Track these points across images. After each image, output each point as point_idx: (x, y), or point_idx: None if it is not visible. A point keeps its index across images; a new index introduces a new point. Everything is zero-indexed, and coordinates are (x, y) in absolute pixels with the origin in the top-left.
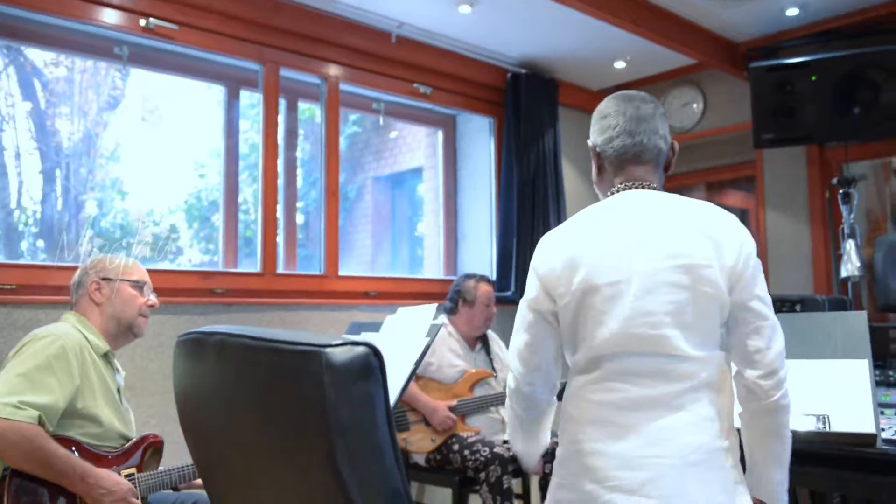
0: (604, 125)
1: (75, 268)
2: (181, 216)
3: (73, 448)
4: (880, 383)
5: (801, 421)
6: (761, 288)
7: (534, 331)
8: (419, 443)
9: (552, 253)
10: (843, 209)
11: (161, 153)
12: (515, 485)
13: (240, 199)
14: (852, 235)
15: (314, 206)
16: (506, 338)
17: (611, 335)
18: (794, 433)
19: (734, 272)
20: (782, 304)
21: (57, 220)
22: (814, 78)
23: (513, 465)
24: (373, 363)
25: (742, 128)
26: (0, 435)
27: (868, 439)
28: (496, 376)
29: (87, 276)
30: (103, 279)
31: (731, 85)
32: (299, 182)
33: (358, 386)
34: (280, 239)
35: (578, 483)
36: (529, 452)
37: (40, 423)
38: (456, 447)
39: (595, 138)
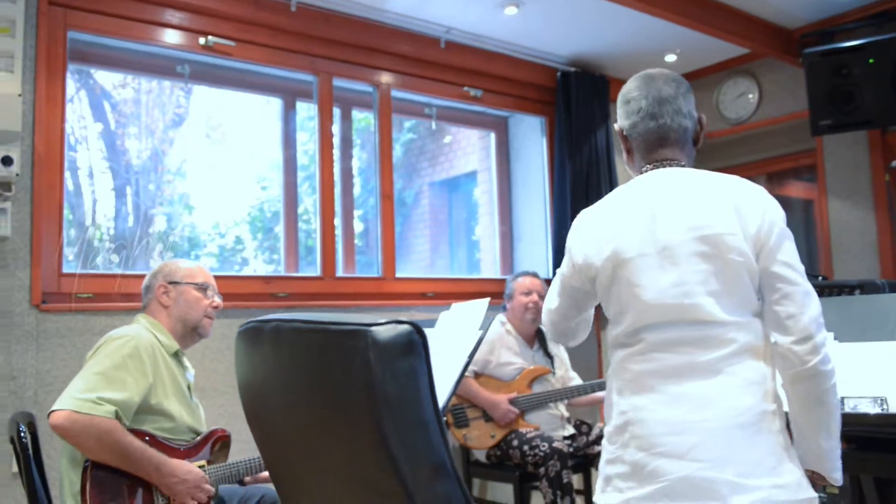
0: (628, 110)
1: (145, 275)
2: (245, 228)
3: (147, 440)
4: None
5: (859, 404)
6: (786, 254)
7: (561, 300)
8: (479, 439)
9: (583, 231)
10: None
11: (225, 168)
12: (576, 480)
13: (300, 210)
14: None
15: (373, 213)
16: None
17: (646, 307)
18: (852, 416)
19: (758, 239)
20: (841, 290)
21: (129, 234)
22: (871, 61)
23: (572, 461)
24: (416, 339)
25: (800, 116)
26: (80, 429)
27: None
28: (554, 373)
29: (155, 279)
30: (170, 283)
31: (787, 73)
32: (357, 190)
33: (402, 361)
34: (339, 246)
35: (626, 454)
36: None
37: (117, 417)
38: (515, 443)
39: (621, 122)
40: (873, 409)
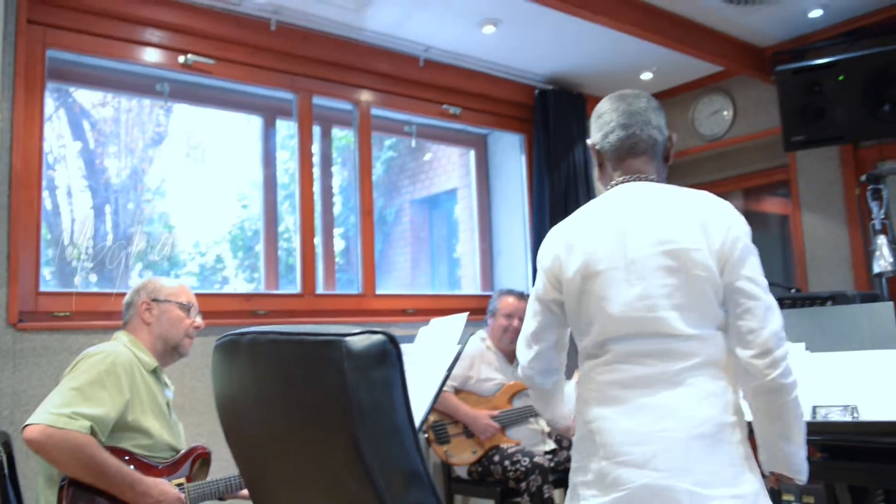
0: (600, 123)
1: (124, 294)
2: (226, 246)
3: (126, 458)
4: None
5: (831, 412)
6: (750, 269)
7: (539, 319)
8: (460, 455)
9: (553, 245)
10: (873, 205)
11: (205, 187)
12: (557, 495)
13: (281, 229)
14: (883, 231)
15: (354, 231)
16: None
17: (612, 319)
18: (824, 425)
19: (722, 254)
20: (814, 302)
21: (108, 254)
22: (841, 78)
23: (553, 475)
24: (390, 349)
25: (773, 132)
26: (54, 443)
27: None
28: None
29: (138, 296)
30: (153, 300)
31: (760, 90)
32: (338, 208)
33: (376, 371)
34: (319, 264)
35: (590, 462)
36: (555, 417)
37: (92, 433)
38: (497, 458)
39: (594, 137)
40: (844, 418)
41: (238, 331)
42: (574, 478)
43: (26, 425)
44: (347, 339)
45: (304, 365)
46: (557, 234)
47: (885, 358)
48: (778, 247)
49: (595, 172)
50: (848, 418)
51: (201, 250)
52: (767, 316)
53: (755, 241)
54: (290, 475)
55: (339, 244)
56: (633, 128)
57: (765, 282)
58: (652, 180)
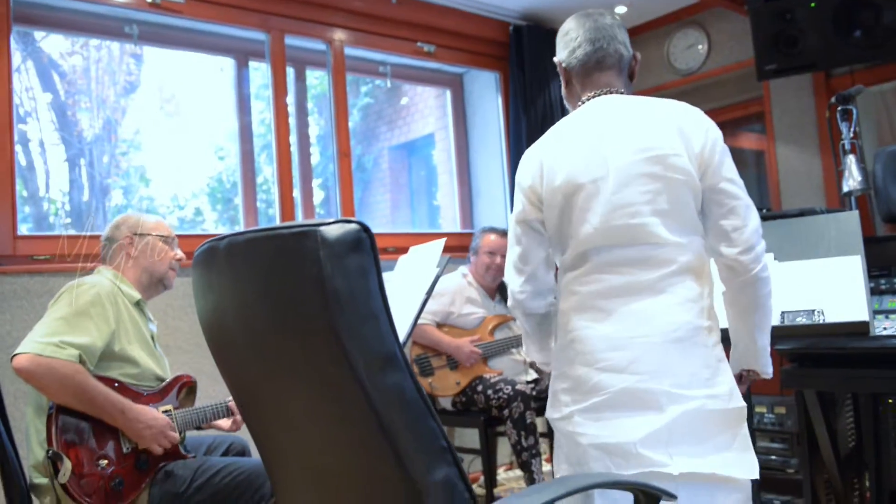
0: (566, 41)
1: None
2: (205, 199)
3: (116, 385)
4: (886, 291)
5: (798, 317)
6: (729, 170)
7: (524, 241)
8: (444, 386)
9: (531, 164)
10: (843, 126)
11: (181, 139)
12: (540, 422)
13: (259, 180)
14: (853, 150)
15: (332, 181)
16: None
17: (594, 229)
18: (793, 328)
19: (702, 158)
20: (783, 218)
21: (84, 207)
22: (813, 4)
23: (536, 403)
24: (364, 237)
25: (748, 64)
26: (43, 371)
27: (861, 327)
28: (516, 320)
29: (120, 231)
30: (136, 234)
31: (734, 22)
32: (317, 157)
33: (351, 258)
34: (299, 214)
35: (571, 369)
36: (544, 360)
37: (80, 361)
38: (480, 388)
39: (560, 54)
40: (811, 321)
41: (215, 237)
42: (554, 385)
43: (15, 355)
44: (322, 228)
45: (281, 259)
46: (535, 153)
47: (849, 263)
48: (754, 181)
49: (563, 91)
50: (815, 321)
51: (180, 203)
52: (748, 214)
53: None
54: (274, 375)
55: (318, 195)
56: (601, 42)
57: (741, 181)
58: (622, 93)
